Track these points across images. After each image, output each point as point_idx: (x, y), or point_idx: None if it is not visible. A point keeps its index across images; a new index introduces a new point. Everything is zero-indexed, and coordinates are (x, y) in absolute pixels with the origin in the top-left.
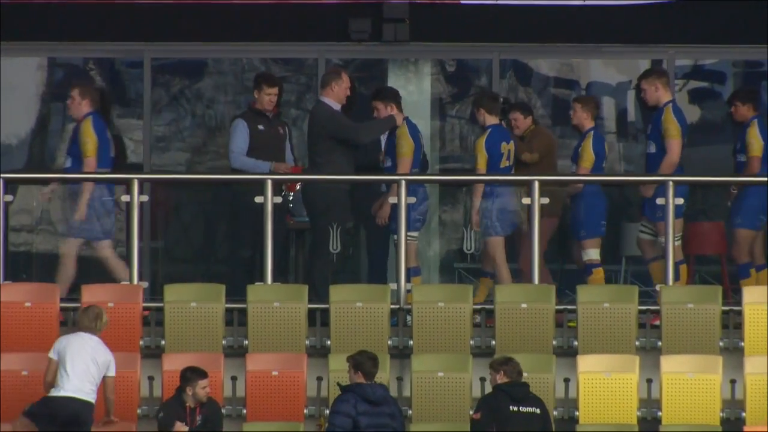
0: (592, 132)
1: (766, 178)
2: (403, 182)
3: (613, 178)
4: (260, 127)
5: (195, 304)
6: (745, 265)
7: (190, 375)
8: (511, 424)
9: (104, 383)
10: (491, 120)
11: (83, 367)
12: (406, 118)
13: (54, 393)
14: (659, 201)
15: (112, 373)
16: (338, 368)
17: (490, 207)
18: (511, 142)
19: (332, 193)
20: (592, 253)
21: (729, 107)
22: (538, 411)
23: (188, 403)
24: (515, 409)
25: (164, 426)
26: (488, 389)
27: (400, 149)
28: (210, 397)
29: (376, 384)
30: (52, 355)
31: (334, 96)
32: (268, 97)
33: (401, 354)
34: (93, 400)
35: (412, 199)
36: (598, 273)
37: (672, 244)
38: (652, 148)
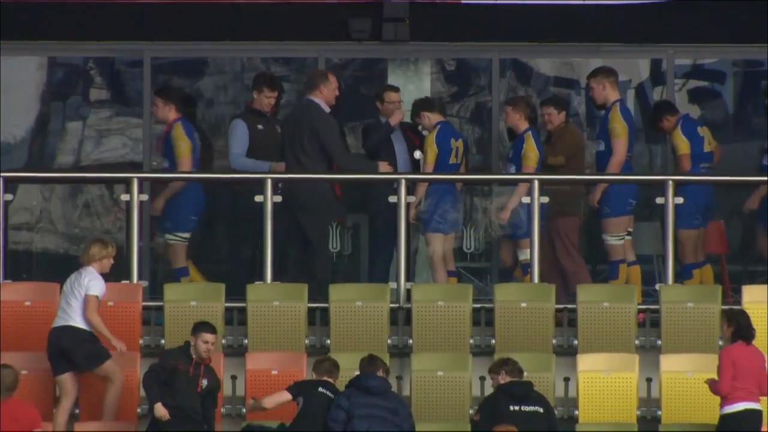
0: (529, 132)
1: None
2: (403, 182)
3: (613, 178)
4: (259, 126)
5: (195, 303)
6: (688, 266)
7: (198, 326)
8: (511, 423)
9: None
10: (437, 118)
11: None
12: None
13: None
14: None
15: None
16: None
17: (433, 205)
18: (461, 139)
19: (315, 192)
20: (527, 253)
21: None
22: (540, 410)
23: (193, 355)
24: (515, 408)
25: (147, 385)
26: (488, 388)
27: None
28: (213, 370)
29: (374, 374)
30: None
31: (323, 98)
32: (267, 100)
33: (401, 353)
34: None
35: (411, 198)
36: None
37: (671, 244)
38: (601, 147)
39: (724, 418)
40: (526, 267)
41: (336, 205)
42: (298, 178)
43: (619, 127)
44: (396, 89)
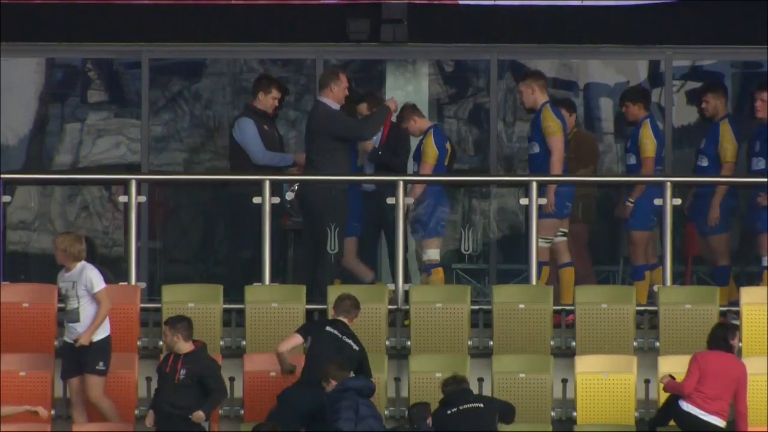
0: (432, 130)
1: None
2: (401, 183)
3: (612, 179)
4: (265, 126)
5: (193, 304)
6: (640, 267)
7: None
8: (449, 424)
9: None
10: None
11: None
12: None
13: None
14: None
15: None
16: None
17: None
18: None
19: (332, 193)
20: (432, 254)
21: (620, 107)
22: (481, 405)
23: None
24: (452, 411)
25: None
26: (486, 389)
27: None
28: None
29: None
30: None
31: (333, 97)
32: (273, 101)
33: (399, 354)
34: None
35: (410, 200)
36: (438, 273)
37: (670, 244)
38: (535, 149)
39: (678, 413)
40: (429, 267)
41: (346, 207)
42: (299, 178)
43: (552, 125)
44: (362, 99)
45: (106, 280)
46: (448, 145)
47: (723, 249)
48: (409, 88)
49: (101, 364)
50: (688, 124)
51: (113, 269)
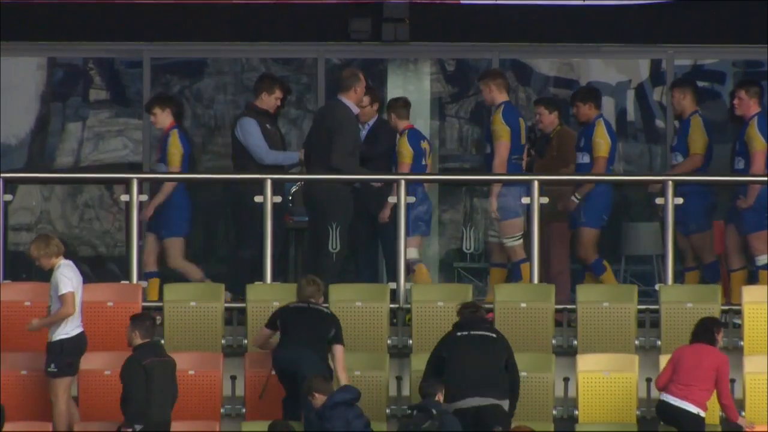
0: (406, 132)
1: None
2: (403, 182)
3: (614, 178)
4: (267, 126)
5: (194, 303)
6: (597, 261)
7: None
8: (458, 346)
9: None
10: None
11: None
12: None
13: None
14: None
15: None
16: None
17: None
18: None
19: (340, 192)
20: (411, 252)
21: (570, 107)
22: (494, 335)
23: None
24: (463, 333)
25: None
26: None
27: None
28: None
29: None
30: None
31: (356, 99)
32: (276, 101)
33: (400, 353)
34: None
35: (412, 199)
36: (420, 269)
37: (671, 244)
38: (488, 149)
39: (657, 403)
40: (411, 264)
41: (352, 207)
42: (300, 178)
43: (499, 129)
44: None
45: (85, 280)
46: (424, 144)
47: (706, 246)
48: (410, 87)
49: (53, 366)
50: None
51: (114, 269)
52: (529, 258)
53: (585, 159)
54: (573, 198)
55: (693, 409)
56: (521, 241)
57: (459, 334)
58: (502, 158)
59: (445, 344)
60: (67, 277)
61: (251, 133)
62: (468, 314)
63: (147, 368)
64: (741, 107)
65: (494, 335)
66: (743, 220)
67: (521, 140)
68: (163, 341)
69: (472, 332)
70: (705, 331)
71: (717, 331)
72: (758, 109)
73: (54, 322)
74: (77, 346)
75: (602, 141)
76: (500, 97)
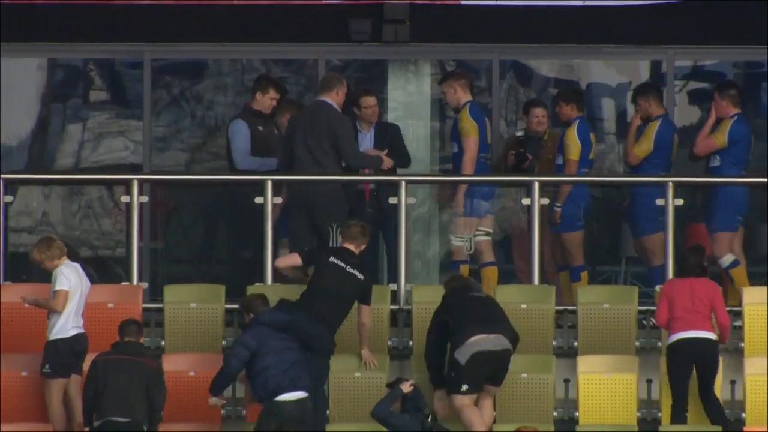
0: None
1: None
2: (403, 182)
3: (613, 179)
4: (260, 127)
5: (195, 304)
6: (576, 269)
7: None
8: (457, 304)
9: None
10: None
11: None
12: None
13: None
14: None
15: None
16: (340, 368)
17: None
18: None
19: (338, 193)
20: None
21: (554, 107)
22: (487, 296)
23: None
24: (455, 299)
25: None
26: None
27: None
28: None
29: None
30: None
31: (338, 101)
32: (271, 102)
33: (401, 355)
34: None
35: (412, 200)
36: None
37: (672, 245)
38: (455, 149)
39: (667, 349)
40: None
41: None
42: (300, 178)
43: (468, 126)
44: (371, 92)
45: (92, 281)
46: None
47: (657, 249)
48: (410, 88)
49: (47, 366)
50: (691, 125)
51: (114, 269)
52: (529, 262)
53: (560, 161)
54: (555, 207)
55: (711, 335)
56: (468, 243)
57: (451, 299)
58: (472, 154)
59: (443, 309)
60: (65, 276)
61: (237, 135)
62: (456, 284)
63: (97, 364)
64: (718, 109)
65: (487, 296)
66: (712, 218)
67: (488, 139)
68: (163, 342)
69: (466, 295)
70: (693, 266)
71: (703, 259)
72: (735, 110)
73: (43, 307)
74: (73, 347)
75: (571, 144)
76: (465, 97)
